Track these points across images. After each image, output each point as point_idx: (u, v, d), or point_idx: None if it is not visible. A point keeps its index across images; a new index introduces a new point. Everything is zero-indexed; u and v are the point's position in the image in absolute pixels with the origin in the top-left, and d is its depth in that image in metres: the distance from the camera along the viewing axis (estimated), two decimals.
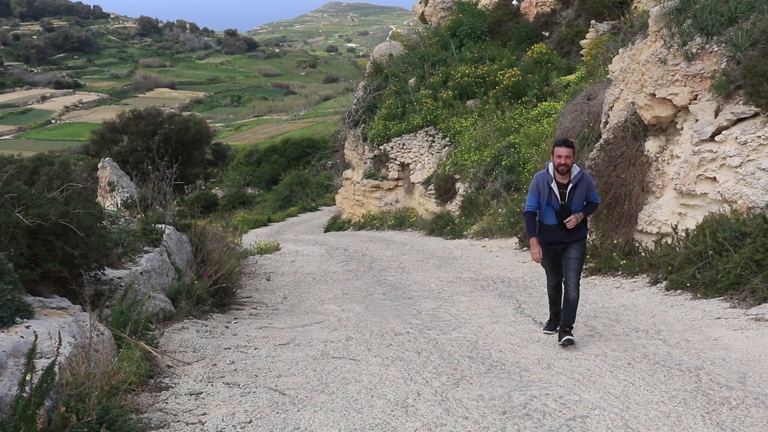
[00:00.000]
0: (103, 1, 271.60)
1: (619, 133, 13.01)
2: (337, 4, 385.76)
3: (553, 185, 8.43)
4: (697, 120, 11.31)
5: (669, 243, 11.42)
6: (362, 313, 10.94)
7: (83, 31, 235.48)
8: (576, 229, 8.48)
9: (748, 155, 10.28)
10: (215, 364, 7.86)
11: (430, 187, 25.93)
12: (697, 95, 11.31)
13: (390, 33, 61.54)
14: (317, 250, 20.56)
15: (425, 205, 26.15)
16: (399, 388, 6.92)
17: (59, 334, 5.71)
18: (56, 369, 5.25)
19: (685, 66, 11.42)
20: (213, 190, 60.57)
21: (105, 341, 6.80)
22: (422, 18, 38.75)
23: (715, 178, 10.79)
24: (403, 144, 28.39)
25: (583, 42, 24.96)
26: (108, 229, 9.50)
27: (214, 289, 10.97)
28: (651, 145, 12.47)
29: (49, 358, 5.45)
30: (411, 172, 28.17)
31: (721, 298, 9.55)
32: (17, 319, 5.98)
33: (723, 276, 9.67)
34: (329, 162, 54.48)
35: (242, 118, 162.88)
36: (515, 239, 17.21)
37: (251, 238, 23.75)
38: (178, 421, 6.07)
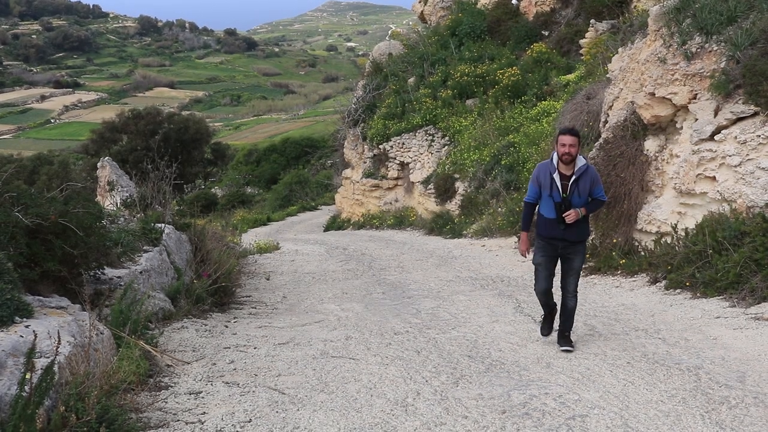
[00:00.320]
0: (103, 0, 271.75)
1: (619, 133, 13.01)
2: (337, 4, 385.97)
3: (556, 176, 8.01)
4: (696, 119, 11.31)
5: (668, 242, 11.42)
6: (362, 312, 10.94)
7: (82, 30, 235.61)
8: (577, 227, 8.03)
9: (747, 154, 10.28)
10: (215, 364, 7.85)
11: (429, 186, 25.92)
12: (696, 94, 11.32)
13: (389, 32, 61.54)
14: (317, 249, 20.56)
15: (425, 204, 26.14)
16: (398, 387, 6.92)
17: (59, 333, 5.71)
18: (56, 368, 5.25)
19: (684, 65, 11.42)
20: (212, 190, 60.60)
21: (104, 340, 6.79)
22: (422, 17, 38.75)
23: (714, 178, 10.80)
24: (403, 143, 28.39)
25: (582, 41, 24.95)
26: (107, 228, 9.51)
27: (213, 289, 10.97)
28: (650, 145, 12.47)
29: (48, 357, 5.44)
30: (410, 171, 28.17)
31: (721, 297, 9.55)
32: (17, 318, 5.98)
33: (722, 275, 9.67)
34: (329, 161, 54.51)
35: (242, 117, 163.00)
36: (515, 238, 17.20)
37: (251, 238, 23.74)
38: (178, 420, 6.07)
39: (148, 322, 8.44)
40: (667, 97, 11.75)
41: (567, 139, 7.96)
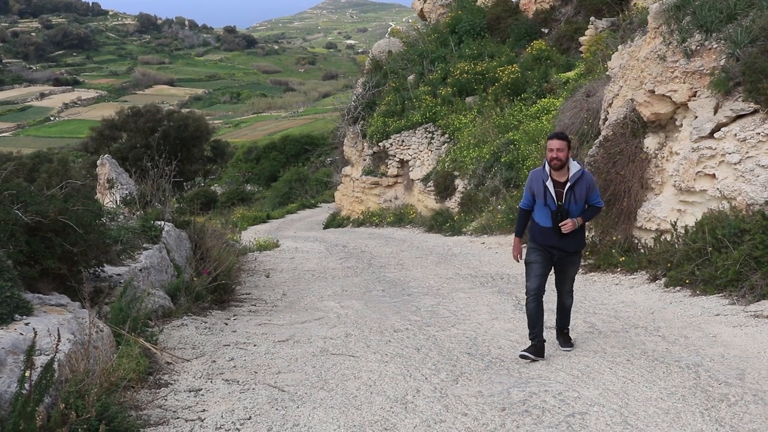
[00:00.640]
0: None
1: (619, 130, 13.01)
2: (336, 1, 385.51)
3: (549, 183, 7.71)
4: (696, 117, 11.31)
5: (668, 240, 11.43)
6: (361, 309, 10.94)
7: (82, 28, 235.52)
8: (574, 236, 7.76)
9: (747, 152, 10.28)
10: (214, 361, 7.86)
11: (429, 183, 25.91)
12: (696, 92, 11.32)
13: (389, 30, 61.54)
14: (316, 246, 20.56)
15: (424, 201, 26.14)
16: (398, 385, 6.93)
17: (58, 331, 5.71)
18: (55, 366, 5.25)
19: (684, 63, 11.42)
20: (212, 187, 60.64)
21: (104, 338, 6.80)
22: (421, 15, 38.72)
23: (714, 175, 10.80)
24: (402, 141, 28.38)
25: (582, 39, 24.93)
26: (107, 226, 9.51)
27: (213, 286, 10.97)
28: (650, 142, 12.48)
29: (48, 355, 5.45)
30: (410, 168, 28.16)
31: (720, 294, 9.55)
32: (16, 316, 5.99)
33: (722, 273, 9.67)
34: (328, 159, 54.51)
35: (241, 115, 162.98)
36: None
37: (250, 235, 23.74)
38: (178, 417, 6.07)
39: (148, 320, 8.45)
40: (667, 94, 11.75)
41: (555, 143, 7.68)
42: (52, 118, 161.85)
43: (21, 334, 5.62)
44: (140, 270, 9.47)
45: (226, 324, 9.89)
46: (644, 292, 10.63)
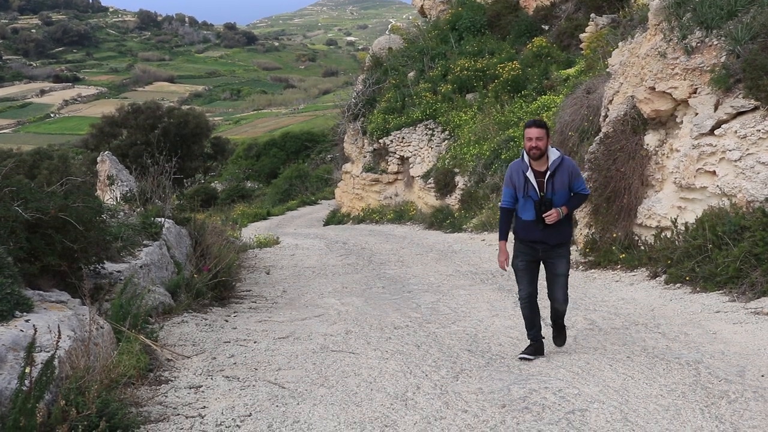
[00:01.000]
0: None
1: (619, 127, 13.00)
2: None
3: (529, 174, 7.38)
4: (696, 114, 11.30)
5: (668, 237, 11.43)
6: (362, 306, 10.95)
7: (82, 24, 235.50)
8: (558, 228, 7.40)
9: (747, 149, 10.28)
10: (215, 358, 7.87)
11: (429, 180, 25.92)
12: (696, 89, 11.31)
13: (389, 26, 61.55)
14: (317, 243, 20.56)
15: (425, 198, 26.15)
16: (398, 382, 6.93)
17: (59, 327, 5.71)
18: (56, 362, 5.25)
19: (684, 59, 11.41)
20: (212, 184, 60.62)
21: (104, 335, 6.80)
22: (421, 11, 38.71)
23: (714, 172, 10.79)
24: (403, 137, 28.38)
25: (582, 35, 24.91)
26: (107, 222, 9.50)
27: (213, 283, 10.98)
28: (650, 139, 12.47)
29: (48, 351, 5.45)
30: (410, 165, 28.17)
31: (721, 291, 9.55)
32: (17, 312, 5.99)
33: (722, 270, 9.67)
34: (328, 156, 54.45)
35: (241, 111, 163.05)
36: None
37: (250, 232, 23.77)
38: (178, 414, 6.07)
39: (149, 317, 8.45)
40: (668, 91, 11.75)
41: (533, 131, 7.33)
42: (52, 115, 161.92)
43: (21, 330, 5.63)
44: (140, 267, 9.47)
45: (227, 321, 9.90)
46: (644, 289, 10.63)
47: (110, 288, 8.38)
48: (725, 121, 10.71)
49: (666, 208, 11.83)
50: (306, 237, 23.67)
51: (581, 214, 13.48)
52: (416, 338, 8.67)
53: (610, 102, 14.02)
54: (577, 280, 11.97)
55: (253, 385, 6.90)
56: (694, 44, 11.31)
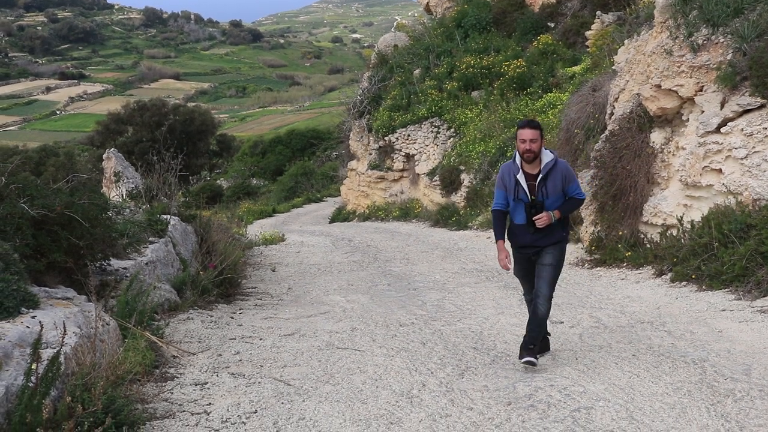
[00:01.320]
0: None
1: (625, 125, 12.98)
2: None
3: (520, 177, 7.10)
4: (702, 111, 11.28)
5: (674, 235, 11.41)
6: (367, 304, 10.95)
7: (88, 21, 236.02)
8: (549, 231, 7.15)
9: (753, 147, 10.25)
10: (220, 355, 7.88)
11: (435, 178, 25.89)
12: (702, 87, 11.29)
13: (395, 24, 61.48)
14: (322, 240, 20.57)
15: (430, 196, 26.13)
16: (404, 379, 6.93)
17: (64, 324, 5.72)
18: (62, 359, 5.26)
19: (690, 57, 11.38)
20: (218, 181, 60.67)
21: (110, 331, 6.81)
22: (427, 9, 38.66)
23: (720, 170, 10.77)
24: (408, 135, 28.35)
25: (588, 33, 24.87)
26: (113, 219, 9.53)
27: (219, 280, 10.98)
28: (656, 137, 12.45)
29: (54, 348, 5.46)
30: (416, 163, 28.14)
31: (726, 290, 9.54)
32: (23, 309, 6.00)
33: (728, 268, 9.65)
34: (334, 153, 54.52)
35: (247, 109, 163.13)
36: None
37: (256, 229, 23.75)
38: (184, 411, 6.09)
39: (154, 313, 8.46)
40: (674, 89, 11.72)
41: (527, 133, 7.00)
42: (58, 112, 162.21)
43: (27, 327, 5.64)
44: (146, 264, 9.48)
45: (232, 318, 9.91)
46: (650, 287, 10.62)
47: (116, 285, 8.39)
48: (731, 119, 10.68)
49: (672, 206, 11.81)
50: (311, 234, 23.68)
51: (586, 212, 13.47)
52: (422, 336, 8.67)
53: (616, 100, 13.99)
54: (582, 278, 11.97)
55: (259, 382, 6.91)
56: (700, 42, 11.29)
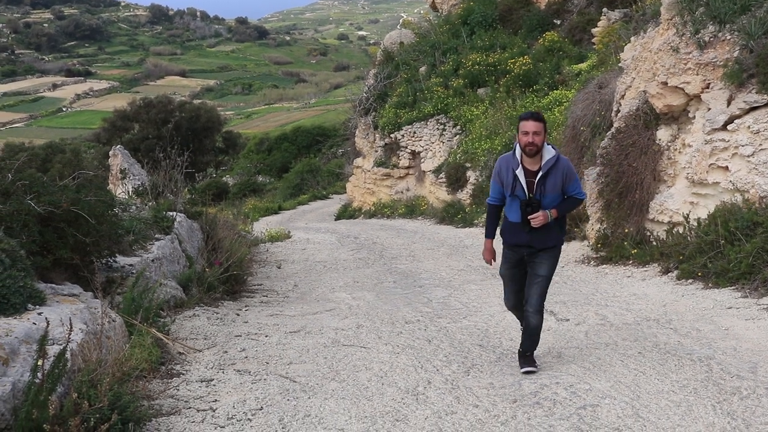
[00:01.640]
0: None
1: (631, 122, 12.96)
2: None
3: (519, 172, 6.72)
4: (709, 109, 11.25)
5: (680, 232, 11.39)
6: (373, 301, 10.96)
7: (94, 19, 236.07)
8: (546, 231, 6.81)
9: (760, 144, 10.23)
10: (226, 351, 7.89)
11: (440, 175, 25.88)
12: (709, 84, 11.26)
13: (401, 21, 61.46)
14: (328, 238, 20.57)
15: (436, 193, 26.12)
16: (409, 376, 6.94)
17: (71, 320, 5.73)
18: (68, 355, 5.28)
19: (697, 54, 11.36)
20: (224, 178, 60.69)
21: (116, 328, 6.83)
22: (433, 6, 38.63)
23: (727, 168, 10.74)
24: (414, 132, 28.34)
25: (594, 30, 24.82)
26: (119, 216, 9.54)
27: (225, 277, 10.99)
28: (663, 134, 12.43)
29: (60, 344, 5.47)
30: (422, 160, 28.13)
31: (733, 287, 9.51)
32: (29, 305, 6.01)
33: (734, 265, 9.63)
34: (340, 150, 54.45)
35: (253, 106, 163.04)
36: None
37: (262, 226, 23.78)
38: (190, 407, 6.10)
39: (160, 310, 8.48)
40: (680, 86, 11.70)
41: (530, 125, 6.61)
42: (64, 109, 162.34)
43: (34, 323, 5.65)
44: (152, 260, 9.50)
45: (238, 315, 9.92)
46: (656, 285, 10.60)
47: (122, 281, 8.40)
48: (738, 117, 10.66)
49: (678, 203, 11.79)
50: (317, 231, 23.69)
51: (593, 210, 13.45)
52: (427, 333, 8.67)
53: (622, 97, 13.97)
54: (588, 275, 11.96)
55: (265, 379, 6.92)
56: (706, 39, 11.26)
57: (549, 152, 6.71)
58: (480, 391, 6.43)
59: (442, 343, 8.18)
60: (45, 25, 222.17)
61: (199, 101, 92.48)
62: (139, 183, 14.35)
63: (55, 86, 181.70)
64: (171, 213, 11.49)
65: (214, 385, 6.72)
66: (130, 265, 8.92)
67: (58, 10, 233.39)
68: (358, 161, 32.52)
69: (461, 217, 21.60)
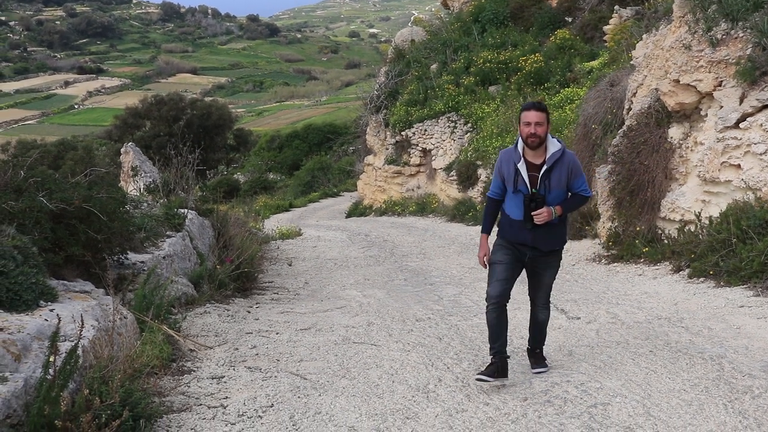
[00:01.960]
0: None
1: (643, 120, 12.92)
2: None
3: (521, 166, 6.35)
4: (721, 106, 11.21)
5: (692, 230, 11.35)
6: (383, 298, 10.96)
7: (106, 16, 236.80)
8: (549, 230, 6.44)
9: None
10: (237, 349, 7.90)
11: (451, 173, 25.86)
12: (721, 81, 11.22)
13: (412, 18, 61.47)
14: (339, 235, 20.59)
15: (447, 191, 26.10)
16: (420, 374, 6.93)
17: (82, 317, 5.74)
18: (79, 352, 5.29)
19: (709, 52, 11.31)
20: (235, 176, 60.79)
21: (128, 325, 6.85)
22: (444, 3, 38.60)
23: (739, 166, 10.70)
24: (425, 130, 28.33)
25: (606, 28, 24.77)
26: (131, 213, 9.56)
27: (236, 274, 11.02)
28: (674, 132, 12.39)
29: (72, 341, 5.49)
30: (433, 158, 28.12)
31: (745, 286, 9.47)
32: (41, 302, 6.03)
33: (746, 264, 9.59)
34: (351, 148, 54.51)
35: (264, 103, 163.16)
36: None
37: (273, 224, 23.82)
38: (200, 404, 6.11)
39: (171, 307, 8.50)
40: (692, 84, 11.66)
41: (532, 115, 6.25)
42: (76, 106, 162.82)
43: (46, 320, 5.67)
44: (163, 257, 9.52)
45: (249, 312, 9.94)
46: (668, 283, 10.57)
47: (133, 278, 8.43)
48: (750, 114, 10.62)
49: (690, 201, 11.75)
50: (328, 229, 23.71)
51: (604, 208, 13.42)
52: (438, 330, 8.67)
53: (634, 95, 13.93)
54: (599, 273, 11.93)
55: (275, 376, 6.93)
56: (719, 36, 11.22)
57: (554, 145, 6.36)
58: (491, 388, 6.41)
59: (453, 340, 8.18)
60: (57, 22, 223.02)
61: (211, 99, 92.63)
62: (151, 180, 14.39)
63: (67, 83, 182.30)
64: (182, 210, 11.52)
65: (224, 382, 6.73)
66: (142, 262, 8.94)
67: (71, 7, 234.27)
68: (369, 159, 32.52)
69: (472, 215, 21.58)
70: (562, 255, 6.84)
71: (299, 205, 40.27)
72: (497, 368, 6.38)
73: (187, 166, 13.10)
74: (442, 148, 27.66)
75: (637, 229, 12.53)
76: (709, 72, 11.34)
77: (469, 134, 26.52)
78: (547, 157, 6.31)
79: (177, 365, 7.08)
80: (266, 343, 8.18)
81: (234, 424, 5.77)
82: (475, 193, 23.77)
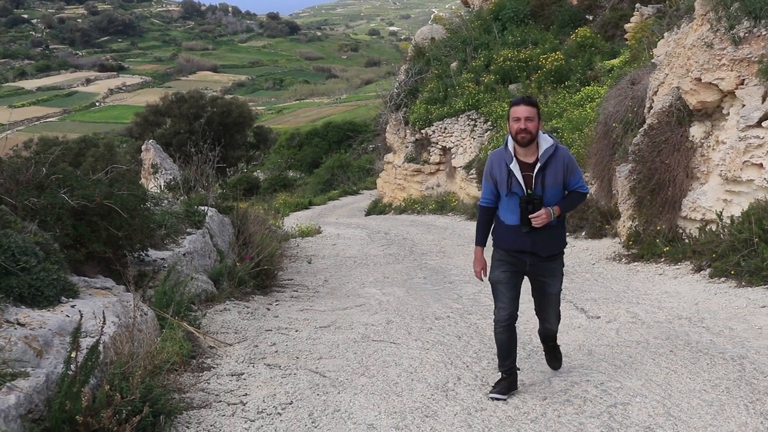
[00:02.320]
0: None
1: (664, 119, 12.85)
2: None
3: (513, 166, 5.98)
4: (743, 105, 11.14)
5: (713, 230, 11.28)
6: (403, 296, 10.96)
7: (127, 14, 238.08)
8: (550, 233, 6.10)
9: None
10: (256, 346, 7.92)
11: (471, 171, 25.82)
12: (744, 80, 11.14)
13: (432, 16, 61.41)
14: (358, 233, 20.60)
15: (466, 189, 26.06)
16: (439, 372, 6.93)
17: (104, 313, 5.78)
18: (100, 348, 5.32)
19: (731, 50, 11.24)
20: (255, 173, 60.92)
21: (148, 321, 6.88)
22: (464, 1, 38.55)
23: (761, 165, 10.63)
24: (445, 128, 28.30)
25: (627, 26, 24.66)
26: (151, 210, 9.60)
27: (255, 271, 11.04)
28: (696, 131, 12.32)
29: (93, 337, 5.52)
30: (452, 156, 28.09)
31: (766, 286, 9.41)
32: (63, 298, 6.07)
33: None
34: (370, 146, 54.49)
35: (284, 101, 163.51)
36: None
37: (292, 221, 23.86)
38: (220, 401, 6.13)
39: (191, 304, 8.53)
40: (714, 82, 11.59)
41: (521, 110, 5.89)
42: (97, 104, 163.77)
43: (67, 316, 5.70)
44: (184, 254, 9.55)
45: (268, 309, 9.96)
46: (688, 283, 10.51)
47: (154, 275, 8.47)
48: None
49: (711, 200, 11.69)
50: (347, 227, 23.72)
51: (624, 207, 13.36)
52: (457, 329, 8.66)
53: (655, 93, 13.86)
54: (620, 272, 11.88)
55: (295, 374, 6.95)
56: (741, 34, 11.14)
57: (546, 141, 6.02)
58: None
59: (472, 339, 8.17)
60: (79, 20, 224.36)
61: (231, 96, 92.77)
62: (171, 177, 14.44)
63: (88, 81, 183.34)
64: (202, 207, 11.55)
65: (244, 379, 6.76)
66: (162, 258, 8.98)
67: (92, 5, 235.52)
68: (389, 157, 32.53)
69: None
70: (564, 261, 6.51)
71: (319, 203, 40.32)
72: (509, 384, 6.26)
73: (207, 163, 13.14)
74: (462, 146, 27.63)
75: (658, 228, 12.47)
76: (731, 70, 11.27)
77: (489, 132, 26.48)
78: (540, 154, 5.98)
79: (197, 362, 7.11)
80: (285, 341, 8.20)
81: (253, 420, 5.79)
82: None
